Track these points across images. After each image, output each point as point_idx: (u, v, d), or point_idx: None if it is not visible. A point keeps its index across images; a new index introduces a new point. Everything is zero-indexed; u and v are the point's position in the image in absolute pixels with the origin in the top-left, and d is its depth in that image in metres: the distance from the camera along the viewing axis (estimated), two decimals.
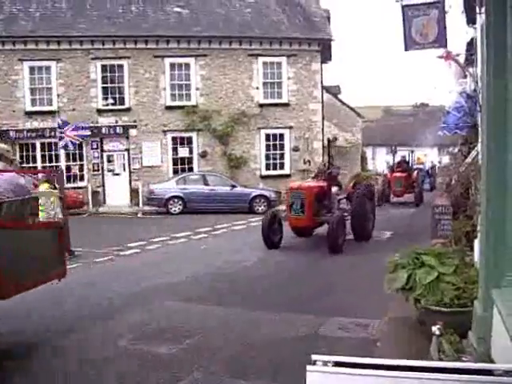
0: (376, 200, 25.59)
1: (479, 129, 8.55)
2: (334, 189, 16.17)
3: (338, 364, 2.92)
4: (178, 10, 29.93)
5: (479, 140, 7.94)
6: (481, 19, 7.42)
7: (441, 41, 10.80)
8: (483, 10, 5.96)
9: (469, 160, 9.64)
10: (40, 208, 13.83)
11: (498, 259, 5.20)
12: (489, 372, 2.74)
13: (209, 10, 30.27)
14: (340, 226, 14.25)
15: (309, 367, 2.93)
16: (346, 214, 15.84)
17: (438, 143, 52.88)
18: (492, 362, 4.67)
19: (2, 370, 6.38)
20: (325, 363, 2.92)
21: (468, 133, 11.68)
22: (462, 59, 14.97)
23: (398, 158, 33.03)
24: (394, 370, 2.82)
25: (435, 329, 5.61)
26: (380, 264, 10.74)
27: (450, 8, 9.08)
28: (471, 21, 13.06)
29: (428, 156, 52.02)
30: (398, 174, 28.73)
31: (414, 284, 7.00)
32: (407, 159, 31.56)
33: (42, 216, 13.88)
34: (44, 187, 14.12)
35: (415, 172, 30.23)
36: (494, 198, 5.26)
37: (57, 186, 14.33)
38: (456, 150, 12.90)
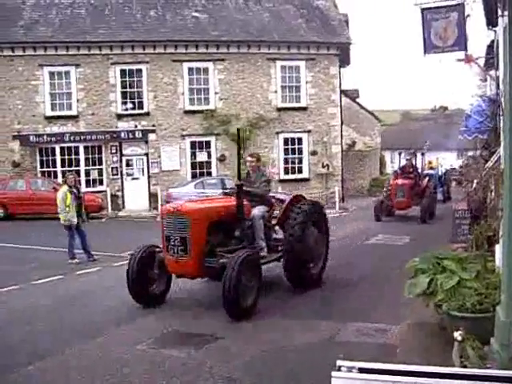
0: (373, 214, 22.25)
1: (501, 132, 8.48)
2: (258, 210, 10.31)
3: (362, 370, 2.90)
4: (196, 14, 30.06)
5: (501, 144, 7.87)
6: (503, 21, 7.35)
7: (460, 44, 10.73)
8: (505, 12, 5.91)
9: (490, 164, 9.56)
10: (59, 210, 14.13)
11: None
12: None
13: (227, 14, 30.38)
14: (244, 276, 8.51)
15: (334, 373, 2.91)
16: (280, 248, 10.65)
17: (455, 147, 52.46)
18: None
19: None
20: (349, 369, 2.90)
21: (489, 136, 11.58)
22: (481, 62, 14.86)
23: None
24: (420, 376, 2.79)
25: (457, 334, 5.55)
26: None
27: (472, 10, 9.00)
28: (491, 23, 12.96)
29: (446, 160, 51.50)
30: (400, 181, 22.73)
31: (435, 289, 6.95)
32: (415, 163, 25.28)
33: (61, 218, 14.13)
34: (62, 190, 14.31)
35: (426, 179, 24.14)
36: None
37: (75, 191, 14.50)
38: (477, 153, 12.79)
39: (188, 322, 8.62)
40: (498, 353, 5.19)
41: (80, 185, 22.09)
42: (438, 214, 22.54)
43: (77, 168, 27.43)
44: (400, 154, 27.20)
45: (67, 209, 14.04)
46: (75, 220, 14.26)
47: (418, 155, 25.93)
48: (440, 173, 32.71)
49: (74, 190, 14.41)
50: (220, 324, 8.35)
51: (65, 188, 14.35)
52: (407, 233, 18.19)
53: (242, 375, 6.31)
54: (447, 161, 50.98)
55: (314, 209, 10.84)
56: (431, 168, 31.11)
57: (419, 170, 24.56)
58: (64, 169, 27.15)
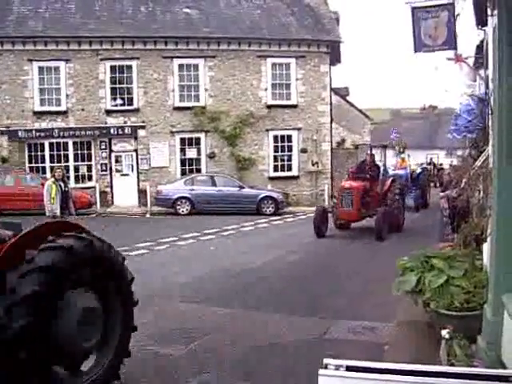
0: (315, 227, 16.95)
1: (490, 131, 8.51)
2: None
3: (350, 368, 2.90)
4: (187, 10, 29.98)
5: (490, 143, 7.90)
6: (492, 21, 7.39)
7: (450, 43, 10.76)
8: (495, 12, 5.93)
9: (479, 163, 9.59)
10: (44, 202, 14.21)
11: (509, 263, 5.16)
12: (505, 378, 2.70)
13: (218, 11, 30.34)
14: None
15: (321, 371, 2.91)
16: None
17: (444, 146, 52.36)
18: (503, 366, 4.63)
19: None
20: (337, 367, 2.90)
21: (478, 135, 11.62)
22: (471, 62, 14.90)
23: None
24: (407, 375, 2.80)
25: (445, 333, 5.57)
26: None
27: (462, 10, 9.04)
28: (481, 23, 13.00)
29: (434, 159, 51.41)
30: (348, 184, 17.64)
31: (423, 287, 6.97)
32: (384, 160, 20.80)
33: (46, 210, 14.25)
34: (48, 183, 14.41)
35: (389, 180, 18.80)
36: (505, 201, 5.22)
37: (61, 184, 14.55)
38: (466, 152, 12.81)
39: (179, 317, 8.61)
40: (485, 351, 5.22)
41: (68, 179, 22.06)
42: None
43: (66, 164, 27.37)
44: (357, 147, 21.82)
45: (52, 200, 14.12)
46: (58, 212, 14.26)
47: (377, 151, 21.05)
48: (415, 173, 27.84)
49: (61, 183, 14.46)
50: (211, 320, 8.35)
51: (50, 181, 14.51)
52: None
53: (233, 371, 6.32)
54: (435, 160, 50.71)
55: (82, 254, 5.16)
56: (403, 168, 26.45)
57: (383, 169, 19.86)
58: (53, 164, 26.99)
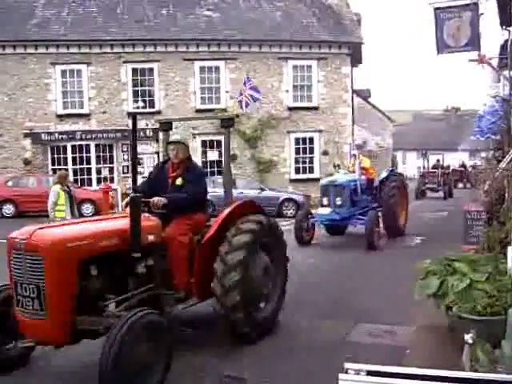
0: None
1: None
2: None
3: (370, 373, 2.85)
4: (208, 13, 30.08)
5: None
6: None
7: (473, 44, 10.64)
8: None
9: (503, 165, 9.47)
10: (49, 208, 14.08)
11: None
12: None
13: (239, 13, 30.39)
14: None
15: (341, 376, 2.86)
16: None
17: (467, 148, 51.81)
18: None
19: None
20: (357, 372, 2.85)
21: (502, 137, 11.48)
22: (495, 62, 14.74)
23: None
24: (429, 380, 2.74)
25: (468, 337, 5.47)
26: None
27: (486, 10, 8.94)
28: (505, 23, 12.86)
29: (456, 160, 50.52)
30: (35, 239, 5.33)
31: (445, 291, 6.87)
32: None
33: (57, 215, 14.08)
34: (54, 189, 14.12)
35: (224, 212, 7.42)
36: None
37: (68, 188, 14.42)
38: (490, 154, 12.61)
39: (198, 318, 8.59)
40: (510, 356, 5.12)
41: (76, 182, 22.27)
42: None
43: (88, 166, 27.70)
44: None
45: (63, 207, 13.99)
46: (69, 218, 14.19)
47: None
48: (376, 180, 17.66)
49: (66, 188, 14.33)
50: None
51: (57, 187, 14.11)
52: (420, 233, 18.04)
53: (252, 375, 6.27)
54: (457, 161, 49.82)
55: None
56: (352, 171, 17.90)
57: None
58: (75, 167, 27.37)
